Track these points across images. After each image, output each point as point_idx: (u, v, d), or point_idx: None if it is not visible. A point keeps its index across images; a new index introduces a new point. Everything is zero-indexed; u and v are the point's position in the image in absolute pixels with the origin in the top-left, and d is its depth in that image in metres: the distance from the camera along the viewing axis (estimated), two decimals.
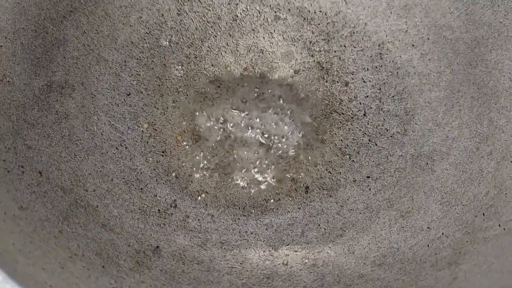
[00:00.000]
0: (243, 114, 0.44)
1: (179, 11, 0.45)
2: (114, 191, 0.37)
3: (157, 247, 0.35)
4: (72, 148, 0.37)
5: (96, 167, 0.37)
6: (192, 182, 0.40)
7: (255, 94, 0.45)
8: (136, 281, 0.32)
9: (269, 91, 0.45)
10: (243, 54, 0.45)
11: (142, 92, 0.42)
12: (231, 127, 0.43)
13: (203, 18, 0.46)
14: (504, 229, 0.32)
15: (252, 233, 0.38)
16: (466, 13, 0.41)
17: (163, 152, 0.41)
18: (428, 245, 0.34)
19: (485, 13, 0.40)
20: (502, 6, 0.39)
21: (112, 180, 0.37)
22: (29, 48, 0.38)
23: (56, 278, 0.29)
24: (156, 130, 0.41)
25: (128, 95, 0.42)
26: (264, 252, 0.36)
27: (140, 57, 0.43)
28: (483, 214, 0.34)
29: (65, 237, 0.32)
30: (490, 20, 0.40)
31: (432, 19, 0.43)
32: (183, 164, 0.41)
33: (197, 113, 0.44)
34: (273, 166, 0.43)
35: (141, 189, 0.38)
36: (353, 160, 0.42)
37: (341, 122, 0.43)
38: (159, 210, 0.37)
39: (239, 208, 0.39)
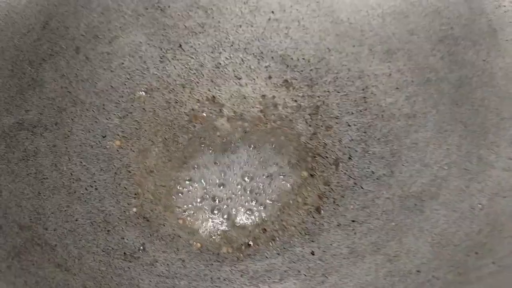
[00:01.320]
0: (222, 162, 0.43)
1: (161, 58, 0.46)
2: (77, 231, 0.35)
3: None
4: (37, 186, 0.36)
5: (61, 207, 0.36)
6: (164, 225, 0.37)
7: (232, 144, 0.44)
8: None
9: (250, 136, 0.44)
10: (225, 99, 0.45)
11: (118, 135, 0.41)
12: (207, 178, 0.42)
13: (185, 66, 0.46)
14: (499, 266, 0.29)
15: (225, 280, 0.35)
16: (448, 54, 0.41)
17: (135, 194, 0.39)
18: None
19: (468, 52, 0.40)
20: (484, 45, 0.39)
21: (76, 220, 0.36)
22: (3, 86, 0.38)
23: None
24: (130, 172, 0.40)
25: (103, 137, 0.41)
26: None
27: (119, 101, 0.43)
28: (476, 253, 0.31)
29: (13, 273, 0.30)
30: (472, 59, 0.40)
31: (415, 62, 0.43)
32: (156, 206, 0.39)
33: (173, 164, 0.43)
34: (253, 211, 0.40)
35: (108, 230, 0.36)
36: (338, 204, 0.39)
37: (325, 166, 0.41)
38: (125, 253, 0.35)
39: (213, 253, 0.37)
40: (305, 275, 0.37)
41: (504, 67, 0.40)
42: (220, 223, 0.42)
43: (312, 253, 0.39)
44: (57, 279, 0.34)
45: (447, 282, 0.33)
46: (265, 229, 0.41)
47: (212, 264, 0.39)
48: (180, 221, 0.41)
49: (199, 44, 0.49)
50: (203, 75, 0.48)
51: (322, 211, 0.42)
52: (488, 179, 0.37)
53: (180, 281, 0.37)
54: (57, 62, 0.44)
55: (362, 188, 0.42)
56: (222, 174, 0.43)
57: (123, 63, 0.47)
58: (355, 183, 0.43)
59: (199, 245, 0.40)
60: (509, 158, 0.37)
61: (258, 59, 0.49)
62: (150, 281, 0.36)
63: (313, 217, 0.42)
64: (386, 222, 0.39)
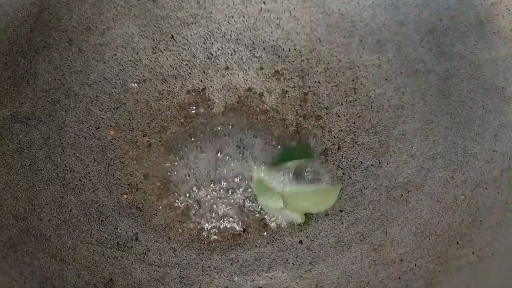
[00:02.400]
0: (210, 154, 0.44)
1: (154, 49, 0.46)
2: (71, 222, 0.36)
3: (110, 279, 0.34)
4: (31, 178, 0.37)
5: (55, 198, 0.37)
6: (156, 215, 0.39)
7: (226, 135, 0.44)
8: None
9: (243, 128, 0.45)
10: (217, 89, 0.45)
11: (111, 126, 0.42)
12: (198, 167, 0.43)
13: (178, 57, 0.46)
14: (478, 256, 0.30)
15: (215, 268, 0.36)
16: (437, 46, 0.42)
17: (128, 185, 0.40)
18: (399, 278, 0.32)
19: (455, 44, 0.41)
20: (472, 37, 0.40)
21: (70, 211, 0.37)
22: None
23: None
24: (123, 163, 0.41)
25: (97, 128, 0.42)
26: (226, 287, 0.34)
27: (112, 92, 0.43)
28: (457, 243, 0.32)
29: (8, 264, 0.31)
30: (460, 51, 0.40)
31: (404, 54, 0.44)
32: (149, 197, 0.40)
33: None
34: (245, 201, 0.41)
35: (101, 221, 0.37)
36: None
37: (314, 156, 0.42)
38: (118, 242, 0.36)
39: (204, 242, 0.38)
40: (293, 264, 0.39)
41: (490, 59, 0.41)
42: (210, 212, 0.43)
43: (300, 242, 0.40)
44: (52, 268, 0.35)
45: (428, 271, 0.34)
46: (255, 218, 0.42)
47: (203, 253, 0.40)
48: (172, 211, 0.43)
49: (191, 35, 0.49)
50: (195, 66, 0.49)
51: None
52: (471, 170, 0.38)
53: (171, 270, 0.38)
54: (50, 54, 0.45)
55: (350, 178, 0.43)
56: (214, 165, 0.44)
57: (115, 55, 0.47)
58: (343, 173, 0.44)
59: (189, 233, 0.41)
60: (492, 150, 0.38)
61: (250, 50, 0.50)
62: (143, 269, 0.38)
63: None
64: (373, 212, 0.40)
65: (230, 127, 0.47)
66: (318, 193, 0.40)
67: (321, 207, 0.39)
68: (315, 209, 0.39)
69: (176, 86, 0.48)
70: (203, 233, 0.41)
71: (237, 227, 0.41)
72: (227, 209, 0.42)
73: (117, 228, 0.39)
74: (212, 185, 0.43)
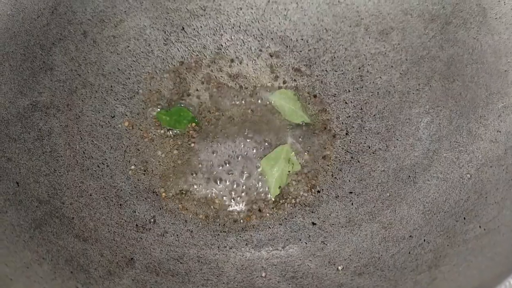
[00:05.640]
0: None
1: (165, 41, 0.48)
2: (92, 205, 0.38)
3: (132, 259, 0.35)
4: (52, 164, 0.38)
5: (75, 183, 0.39)
6: (172, 199, 0.40)
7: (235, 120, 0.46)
8: (105, 287, 0.32)
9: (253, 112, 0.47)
10: (227, 79, 0.47)
11: (126, 115, 0.44)
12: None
13: (188, 48, 0.48)
14: (484, 229, 0.32)
15: (231, 248, 0.38)
16: (440, 33, 0.44)
17: (144, 170, 0.41)
18: (409, 252, 0.34)
19: (459, 31, 0.43)
20: (474, 23, 0.42)
21: (90, 195, 0.38)
22: (17, 70, 0.41)
23: (18, 274, 0.29)
24: (138, 150, 0.43)
25: (112, 117, 0.43)
26: (242, 265, 0.36)
27: (126, 82, 0.45)
28: (464, 218, 0.34)
29: (35, 243, 0.33)
30: (463, 37, 0.42)
31: (409, 41, 0.45)
32: (165, 182, 0.41)
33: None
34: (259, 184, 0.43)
35: (120, 205, 0.39)
36: (336, 177, 0.42)
37: (323, 142, 0.44)
38: (137, 225, 0.38)
39: (220, 224, 0.40)
40: (306, 243, 0.41)
41: (493, 45, 0.42)
42: (225, 195, 0.44)
43: (313, 224, 0.42)
44: (76, 248, 0.37)
45: (436, 245, 0.36)
46: (268, 201, 0.44)
47: (218, 235, 0.42)
48: (187, 195, 0.44)
49: (201, 26, 0.51)
50: (206, 56, 0.51)
51: (320, 184, 0.45)
52: (476, 150, 0.40)
53: (189, 250, 0.40)
54: (66, 46, 0.46)
55: (358, 162, 0.45)
56: (228, 151, 0.46)
57: (128, 46, 0.49)
58: (352, 157, 0.45)
59: (203, 216, 0.43)
60: (497, 131, 0.40)
61: (259, 41, 0.51)
62: (162, 250, 0.39)
63: (312, 190, 0.45)
64: (381, 193, 0.42)
65: (240, 115, 0.48)
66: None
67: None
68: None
69: (188, 76, 0.50)
70: (219, 216, 0.43)
71: (251, 209, 0.43)
72: (243, 193, 0.44)
73: (135, 212, 0.41)
74: (224, 172, 0.45)
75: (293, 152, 0.45)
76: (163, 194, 0.43)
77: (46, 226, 0.37)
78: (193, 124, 0.47)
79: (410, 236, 0.38)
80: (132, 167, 0.45)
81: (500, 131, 0.40)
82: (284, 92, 0.48)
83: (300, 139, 0.46)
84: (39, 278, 0.32)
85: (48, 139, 0.43)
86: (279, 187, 0.43)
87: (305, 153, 0.46)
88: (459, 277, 0.32)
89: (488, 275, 0.30)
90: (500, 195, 0.36)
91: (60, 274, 0.34)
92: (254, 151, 0.46)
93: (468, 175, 0.40)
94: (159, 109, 0.47)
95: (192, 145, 0.46)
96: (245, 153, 0.46)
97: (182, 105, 0.47)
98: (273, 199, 0.43)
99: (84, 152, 0.44)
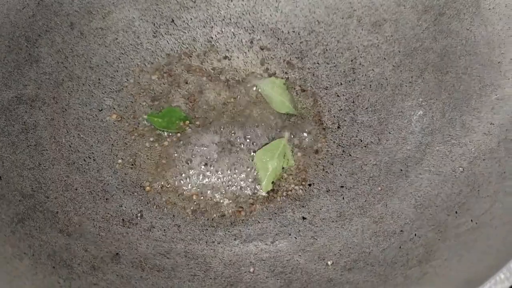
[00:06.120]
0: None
1: (155, 33, 0.47)
2: (77, 199, 0.37)
3: (117, 254, 0.35)
4: (37, 157, 0.38)
5: (61, 177, 0.38)
6: (160, 193, 0.40)
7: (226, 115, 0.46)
8: (88, 283, 0.31)
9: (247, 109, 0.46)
10: (217, 72, 0.46)
11: (114, 108, 0.43)
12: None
13: (178, 40, 0.47)
14: (476, 223, 0.31)
15: (219, 243, 0.37)
16: (434, 24, 0.43)
17: (132, 164, 0.41)
18: (400, 247, 0.33)
19: (452, 22, 0.42)
20: (467, 14, 0.41)
21: (76, 189, 0.38)
22: (1, 62, 0.40)
23: None
24: (126, 144, 0.42)
25: (100, 110, 0.42)
26: (230, 261, 0.35)
27: (114, 75, 0.44)
28: (456, 212, 0.33)
29: (17, 237, 0.32)
30: (457, 29, 0.41)
31: (402, 33, 0.45)
32: (152, 176, 0.41)
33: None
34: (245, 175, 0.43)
35: (107, 199, 0.38)
36: (327, 171, 0.41)
37: (315, 135, 0.43)
38: (123, 219, 0.37)
39: (208, 219, 0.39)
40: (296, 238, 0.40)
41: (486, 36, 0.42)
42: (214, 189, 0.44)
43: (303, 218, 0.41)
44: (60, 243, 0.36)
45: (428, 239, 0.35)
46: (258, 195, 0.43)
47: (206, 229, 0.41)
48: (175, 189, 0.44)
49: (191, 18, 0.50)
50: (195, 49, 0.50)
51: (311, 178, 0.44)
52: (469, 143, 0.39)
53: (176, 245, 0.39)
54: (53, 37, 0.46)
55: (350, 155, 0.44)
56: (217, 145, 0.45)
57: (117, 38, 0.48)
58: (343, 151, 0.45)
59: (191, 211, 0.42)
60: (490, 123, 0.39)
61: (249, 33, 0.51)
62: (148, 245, 0.39)
63: (303, 184, 0.44)
64: (373, 187, 0.41)
65: (231, 108, 0.47)
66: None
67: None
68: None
69: (177, 69, 0.49)
70: (208, 210, 0.42)
71: (240, 203, 0.42)
72: (231, 187, 0.43)
73: (122, 206, 0.40)
74: (212, 165, 0.44)
75: (290, 147, 0.44)
76: (147, 188, 0.42)
77: (29, 221, 0.36)
78: (187, 122, 0.46)
79: (401, 230, 0.37)
80: (120, 161, 0.44)
81: (493, 124, 0.39)
82: (274, 80, 0.47)
83: (291, 132, 0.46)
84: (19, 273, 0.32)
85: (33, 133, 0.42)
86: (272, 182, 0.42)
87: (296, 148, 0.46)
88: (450, 272, 0.32)
89: (479, 269, 0.30)
90: (492, 188, 0.35)
91: (41, 269, 0.33)
92: (244, 144, 0.45)
93: (460, 168, 0.39)
94: (150, 110, 0.46)
95: (181, 139, 0.46)
96: (235, 147, 0.45)
97: (173, 105, 0.47)
98: (264, 194, 0.42)
99: (70, 146, 0.43)
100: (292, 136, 0.46)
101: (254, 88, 0.49)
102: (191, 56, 0.50)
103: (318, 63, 0.50)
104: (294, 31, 0.51)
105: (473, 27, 0.44)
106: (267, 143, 0.45)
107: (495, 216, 0.33)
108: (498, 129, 0.39)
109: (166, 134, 0.46)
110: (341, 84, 0.48)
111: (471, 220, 0.35)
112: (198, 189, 0.44)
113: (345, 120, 0.47)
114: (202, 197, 0.44)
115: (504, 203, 0.33)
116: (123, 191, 0.43)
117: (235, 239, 0.41)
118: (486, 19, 0.43)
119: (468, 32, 0.44)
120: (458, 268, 0.32)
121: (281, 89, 0.47)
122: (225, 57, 0.50)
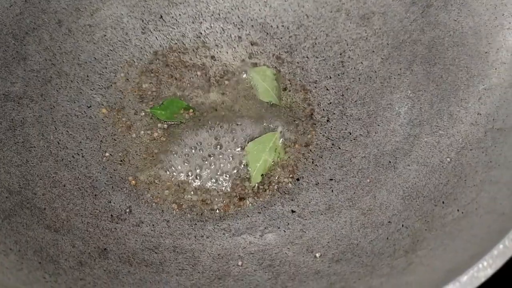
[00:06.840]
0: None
1: (143, 29, 0.47)
2: (65, 196, 0.37)
3: (105, 249, 0.35)
4: (24, 154, 0.38)
5: (48, 173, 0.38)
6: (149, 189, 0.40)
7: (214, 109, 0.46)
8: (74, 278, 0.31)
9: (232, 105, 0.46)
10: (207, 67, 0.46)
11: (103, 105, 0.43)
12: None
13: (167, 36, 0.47)
14: (462, 212, 0.31)
15: (208, 238, 0.37)
16: (421, 16, 0.43)
17: (121, 160, 0.41)
18: (387, 238, 0.34)
19: (440, 13, 0.42)
20: (455, 5, 0.41)
21: (64, 186, 0.38)
22: None
23: None
24: (115, 140, 0.42)
25: (89, 107, 0.43)
26: (218, 254, 0.35)
27: (103, 72, 0.44)
28: (443, 202, 0.34)
29: (3, 234, 0.32)
30: (444, 20, 0.42)
31: (390, 25, 0.45)
32: (141, 172, 0.41)
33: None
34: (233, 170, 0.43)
35: (95, 195, 0.38)
36: (316, 164, 0.42)
37: (304, 128, 0.43)
38: (112, 215, 0.37)
39: (196, 214, 0.39)
40: (284, 231, 0.40)
41: (473, 26, 0.42)
42: (203, 183, 0.44)
43: (292, 211, 0.41)
44: (47, 239, 0.36)
45: (415, 230, 0.35)
46: (246, 189, 0.43)
47: (195, 224, 0.41)
48: (165, 185, 0.44)
49: (179, 14, 0.50)
50: (184, 45, 0.50)
51: (300, 172, 0.44)
52: (457, 134, 0.39)
53: (165, 240, 0.39)
54: (40, 35, 0.46)
55: (339, 148, 0.44)
56: (207, 139, 0.45)
57: (105, 35, 0.49)
58: (333, 144, 0.45)
59: (180, 206, 0.42)
60: (477, 113, 0.39)
61: (239, 28, 0.51)
62: (136, 240, 0.39)
63: (292, 177, 0.44)
64: (362, 179, 0.42)
65: (220, 103, 0.48)
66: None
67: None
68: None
69: (166, 66, 0.49)
70: (197, 205, 0.42)
71: (229, 197, 0.42)
72: (221, 181, 0.43)
73: (110, 202, 0.41)
74: (202, 160, 0.45)
75: (281, 141, 0.44)
76: (136, 183, 0.42)
77: (15, 217, 0.36)
78: (190, 111, 0.46)
79: (389, 222, 0.37)
80: (108, 155, 0.44)
81: (480, 114, 0.39)
82: (263, 70, 0.47)
83: (282, 126, 0.46)
84: (4, 269, 0.32)
85: (21, 130, 0.42)
86: (262, 175, 0.42)
87: (286, 142, 0.46)
88: (435, 261, 0.32)
89: (463, 257, 0.30)
90: (479, 177, 0.35)
91: (27, 265, 0.33)
92: (234, 138, 0.45)
93: (448, 159, 0.39)
94: (151, 105, 0.46)
95: (171, 134, 0.46)
96: (225, 141, 0.45)
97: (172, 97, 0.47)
98: (252, 187, 0.42)
99: (58, 143, 0.43)
100: (283, 130, 0.46)
101: (244, 82, 0.49)
102: (180, 52, 0.50)
103: (307, 57, 0.50)
104: (283, 26, 0.51)
105: (460, 18, 0.44)
106: (258, 137, 0.45)
107: (480, 205, 0.33)
108: (485, 119, 0.39)
109: (155, 129, 0.46)
110: (330, 77, 0.48)
111: (457, 210, 0.35)
112: (188, 184, 0.44)
113: (334, 113, 0.47)
114: (191, 192, 0.44)
115: (489, 192, 0.34)
116: (112, 187, 0.43)
117: (223, 233, 0.41)
118: (473, 9, 0.43)
119: (456, 23, 0.44)
120: (443, 257, 0.32)
121: (270, 79, 0.47)
122: (213, 55, 0.50)
